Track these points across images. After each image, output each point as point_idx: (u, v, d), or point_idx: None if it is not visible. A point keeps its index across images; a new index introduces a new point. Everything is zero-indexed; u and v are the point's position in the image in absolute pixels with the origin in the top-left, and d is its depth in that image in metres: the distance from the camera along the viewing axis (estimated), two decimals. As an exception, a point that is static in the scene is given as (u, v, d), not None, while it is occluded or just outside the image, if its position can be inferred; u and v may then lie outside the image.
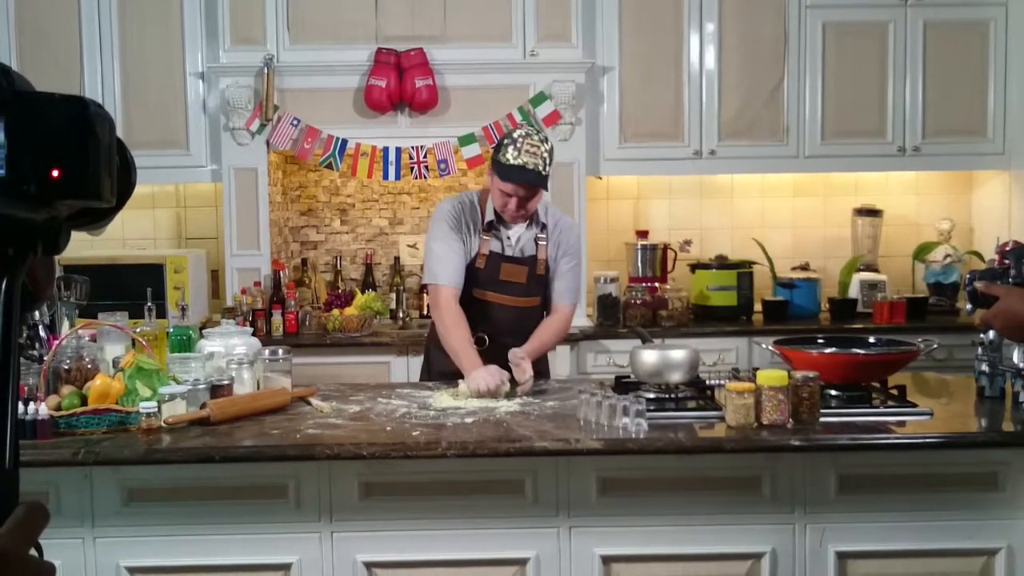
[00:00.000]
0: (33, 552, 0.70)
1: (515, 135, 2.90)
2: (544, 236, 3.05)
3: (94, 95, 4.20)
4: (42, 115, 0.68)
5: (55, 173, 0.68)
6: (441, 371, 3.08)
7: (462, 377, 2.83)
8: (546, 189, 2.92)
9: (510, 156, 2.85)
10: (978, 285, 2.34)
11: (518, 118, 4.27)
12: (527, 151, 2.84)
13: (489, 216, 3.02)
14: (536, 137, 2.89)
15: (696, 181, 4.76)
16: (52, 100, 0.69)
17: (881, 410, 2.49)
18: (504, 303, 3.04)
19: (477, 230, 3.04)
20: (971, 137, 4.47)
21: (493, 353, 2.92)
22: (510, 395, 2.74)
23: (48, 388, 2.46)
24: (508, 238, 3.05)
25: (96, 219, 0.76)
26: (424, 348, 3.38)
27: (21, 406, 2.31)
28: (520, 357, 2.83)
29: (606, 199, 4.78)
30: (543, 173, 2.86)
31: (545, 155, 2.87)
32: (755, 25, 4.40)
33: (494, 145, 2.94)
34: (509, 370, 2.81)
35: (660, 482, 2.40)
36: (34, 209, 0.69)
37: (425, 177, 4.36)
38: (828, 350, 2.66)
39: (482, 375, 2.72)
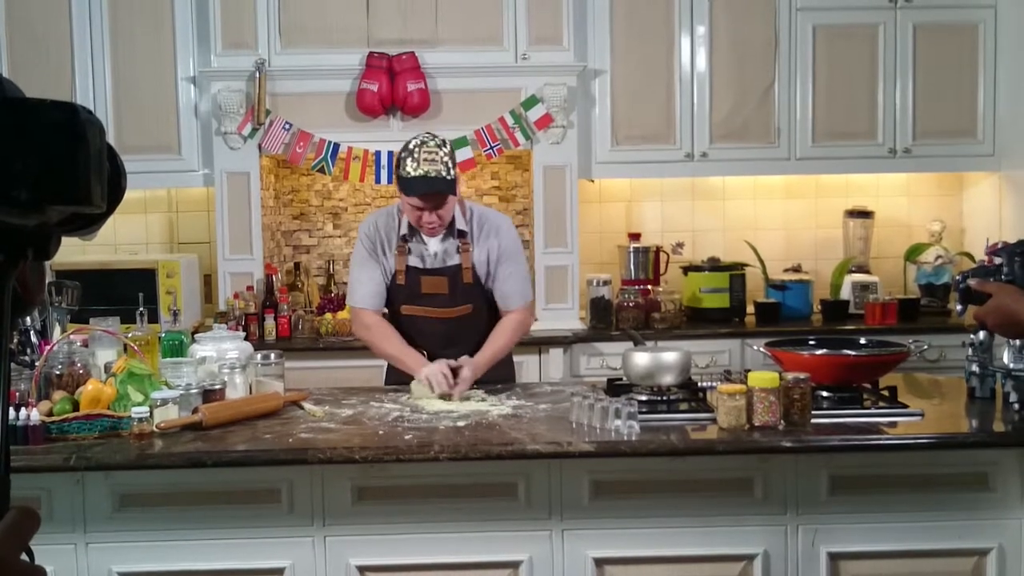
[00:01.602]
0: (24, 557, 0.70)
1: (411, 146, 2.83)
2: (467, 242, 2.97)
3: (85, 100, 4.20)
4: (32, 121, 0.68)
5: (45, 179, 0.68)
6: (399, 380, 3.04)
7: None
8: (454, 194, 2.84)
9: (410, 168, 2.78)
10: (971, 282, 2.38)
11: (510, 121, 4.28)
12: (425, 159, 2.79)
13: (403, 230, 2.97)
14: (432, 143, 2.82)
15: (688, 183, 4.77)
16: (42, 106, 0.69)
17: (872, 411, 2.50)
18: (431, 316, 2.99)
19: (394, 246, 2.99)
20: (961, 139, 4.49)
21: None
22: (461, 399, 2.74)
23: (40, 393, 2.45)
24: (426, 250, 2.98)
25: (86, 225, 0.76)
26: None
27: (12, 412, 2.30)
28: (458, 366, 2.81)
29: (598, 202, 4.79)
30: (448, 178, 2.79)
31: (445, 159, 2.80)
32: (746, 27, 4.42)
33: (397, 158, 2.89)
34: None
35: (652, 484, 2.41)
36: (24, 215, 0.69)
37: (417, 181, 4.36)
38: (819, 351, 2.67)
39: (431, 369, 2.76)
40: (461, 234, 2.97)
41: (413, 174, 2.79)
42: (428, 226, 2.89)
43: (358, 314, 3.03)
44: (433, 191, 2.79)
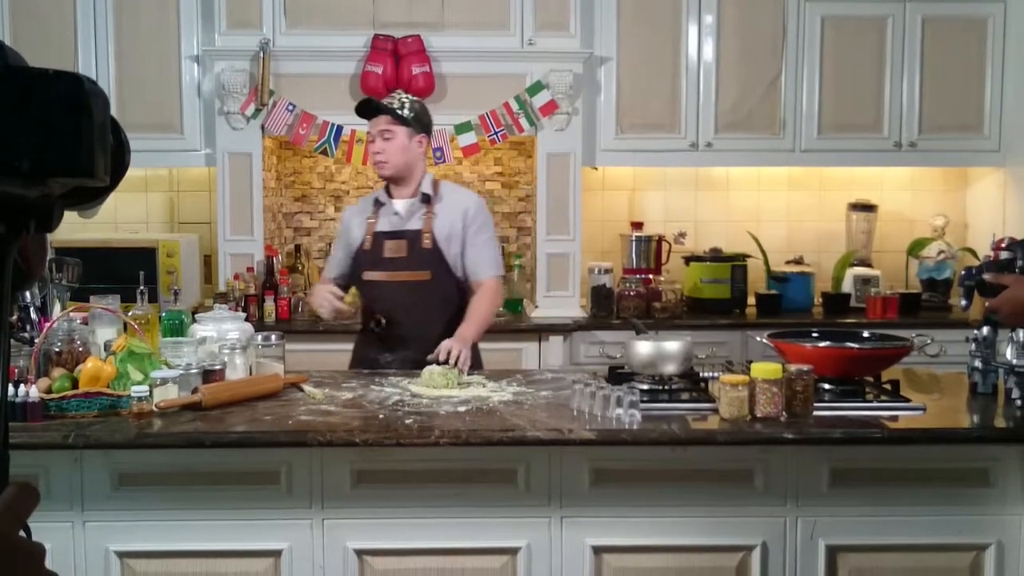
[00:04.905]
0: (22, 533, 0.69)
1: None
2: (431, 209, 3.12)
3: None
4: (36, 91, 0.67)
5: (48, 150, 0.67)
6: (359, 357, 3.22)
7: (378, 364, 3.08)
8: (404, 126, 3.06)
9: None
10: (986, 276, 2.47)
11: (514, 107, 4.26)
12: (388, 95, 3.18)
13: (377, 195, 3.20)
14: (401, 92, 3.25)
15: (692, 173, 4.75)
16: (46, 76, 0.68)
17: (874, 404, 2.49)
18: (391, 280, 3.11)
19: (363, 219, 3.19)
20: (967, 133, 4.48)
21: (393, 333, 3.10)
22: (461, 384, 2.72)
23: (39, 371, 2.44)
24: (395, 213, 3.14)
25: (89, 198, 0.75)
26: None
27: (11, 389, 2.29)
28: (447, 347, 2.86)
29: (602, 190, 4.77)
30: (398, 112, 3.06)
31: (403, 100, 3.11)
32: (754, 18, 4.39)
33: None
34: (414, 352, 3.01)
35: (653, 473, 2.40)
36: (27, 186, 0.68)
37: (420, 165, 4.34)
38: (822, 344, 2.66)
39: (318, 291, 3.10)
40: (426, 199, 3.13)
41: (372, 104, 3.13)
42: (376, 158, 3.09)
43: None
44: (380, 112, 3.06)
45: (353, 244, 3.21)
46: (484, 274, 3.11)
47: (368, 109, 3.10)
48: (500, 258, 3.21)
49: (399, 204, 3.15)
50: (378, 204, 3.18)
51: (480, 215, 3.14)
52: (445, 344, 2.88)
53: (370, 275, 3.15)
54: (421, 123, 3.12)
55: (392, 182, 3.15)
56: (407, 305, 3.09)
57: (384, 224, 3.15)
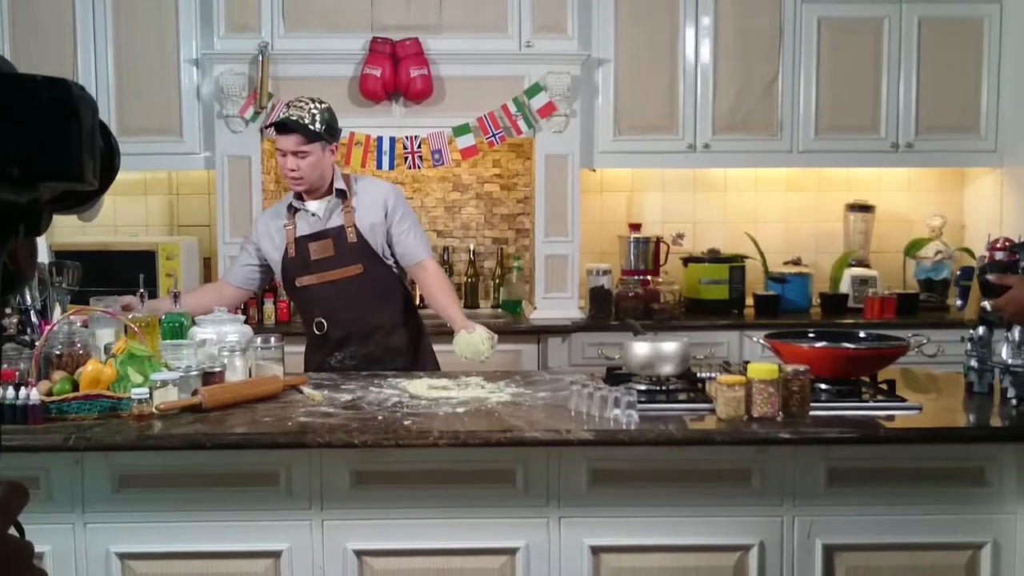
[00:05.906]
0: (13, 531, 0.70)
1: (289, 100, 3.17)
2: (348, 203, 3.13)
3: (87, 81, 4.19)
4: (24, 97, 0.68)
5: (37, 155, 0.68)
6: (309, 363, 3.25)
7: (331, 367, 3.13)
8: (316, 140, 3.03)
9: (279, 114, 3.06)
10: (990, 277, 2.52)
11: (512, 109, 4.27)
12: (295, 107, 3.07)
13: (290, 200, 3.18)
14: (308, 98, 3.10)
15: (689, 174, 4.76)
16: (34, 81, 0.68)
17: (870, 404, 2.50)
18: (324, 281, 3.13)
19: (283, 224, 3.18)
20: (964, 134, 4.49)
21: (334, 335, 3.15)
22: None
23: (39, 373, 2.45)
24: (313, 215, 3.15)
25: (79, 202, 0.76)
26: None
27: (12, 391, 2.31)
28: (474, 328, 2.97)
29: (600, 192, 4.78)
30: (311, 128, 3.02)
31: (314, 112, 3.05)
32: (751, 19, 4.40)
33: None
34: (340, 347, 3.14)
35: (650, 473, 2.41)
36: (17, 191, 0.68)
37: (419, 167, 4.36)
38: (818, 344, 2.67)
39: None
40: (341, 194, 3.14)
41: (280, 118, 3.10)
42: (290, 175, 3.08)
43: None
44: (292, 132, 3.02)
45: (267, 254, 3.23)
46: (420, 257, 3.17)
47: (283, 129, 3.07)
48: (427, 240, 3.27)
49: (314, 205, 3.15)
50: (292, 209, 3.18)
51: (400, 204, 3.19)
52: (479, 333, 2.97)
53: (302, 280, 3.16)
54: (332, 132, 3.12)
55: (306, 193, 3.17)
56: (346, 302, 3.13)
57: (304, 228, 3.15)
